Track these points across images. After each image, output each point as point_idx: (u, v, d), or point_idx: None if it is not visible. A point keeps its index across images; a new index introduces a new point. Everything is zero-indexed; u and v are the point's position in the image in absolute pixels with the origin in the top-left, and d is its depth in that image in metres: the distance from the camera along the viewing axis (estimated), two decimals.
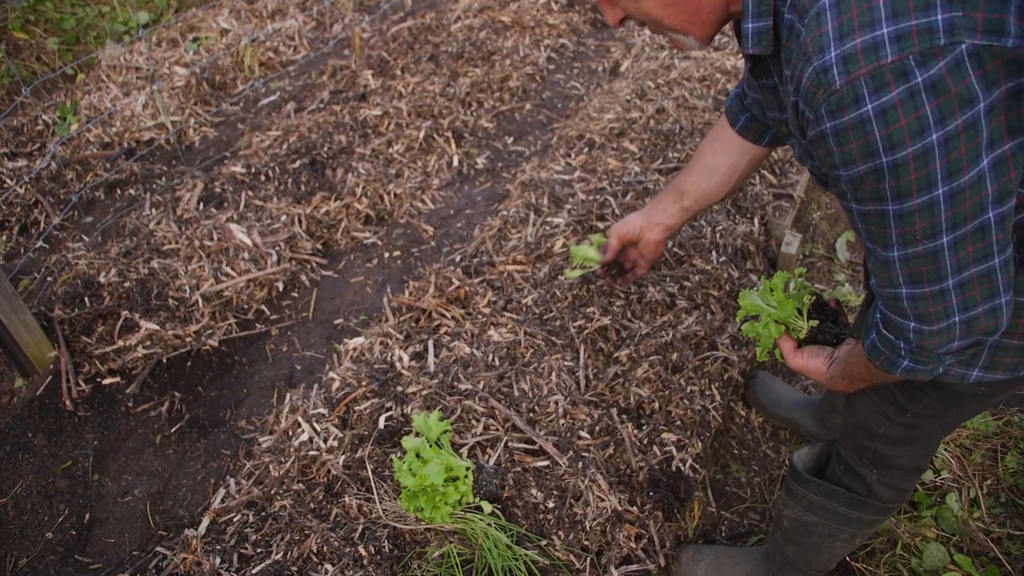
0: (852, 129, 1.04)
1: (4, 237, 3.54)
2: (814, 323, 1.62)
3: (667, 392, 2.53)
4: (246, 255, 3.19)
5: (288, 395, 2.70)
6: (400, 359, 2.64)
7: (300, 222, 3.42)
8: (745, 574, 2.28)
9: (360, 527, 2.13)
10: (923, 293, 1.16)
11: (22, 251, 3.46)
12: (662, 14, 1.31)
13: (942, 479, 2.48)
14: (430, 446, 2.17)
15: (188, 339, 2.92)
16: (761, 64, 1.38)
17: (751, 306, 1.71)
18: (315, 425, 2.47)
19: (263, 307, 3.15)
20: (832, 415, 2.57)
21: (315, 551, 2.08)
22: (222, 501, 2.37)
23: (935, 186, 1.04)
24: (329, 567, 2.04)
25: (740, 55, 4.31)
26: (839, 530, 1.89)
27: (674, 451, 2.40)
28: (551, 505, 2.19)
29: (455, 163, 3.92)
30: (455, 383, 2.50)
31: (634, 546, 2.20)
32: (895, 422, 1.61)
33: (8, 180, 3.78)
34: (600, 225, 3.06)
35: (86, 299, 2.94)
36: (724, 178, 2.02)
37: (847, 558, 2.32)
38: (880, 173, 1.06)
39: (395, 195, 3.67)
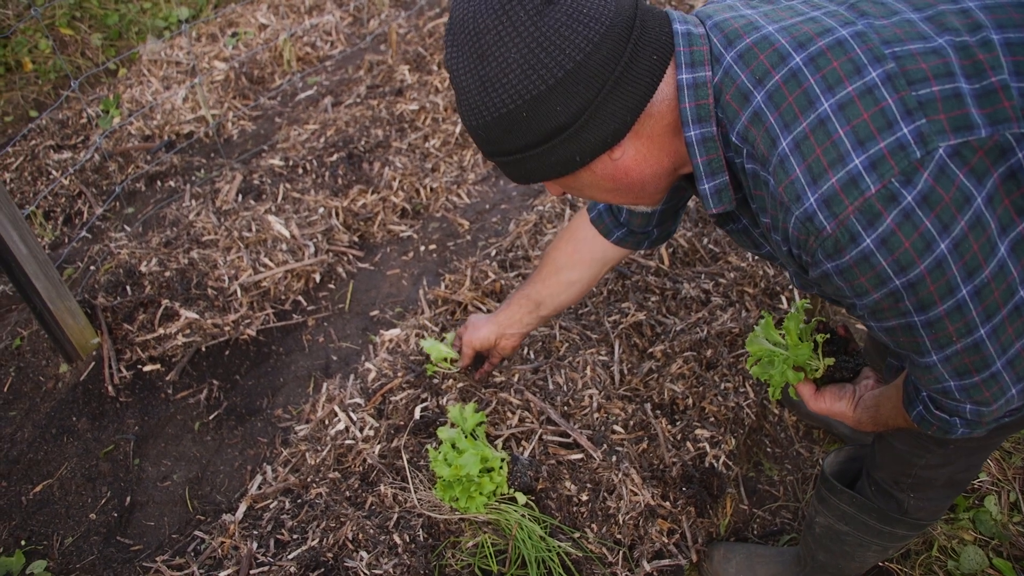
0: (856, 266, 1.02)
1: (50, 227, 3.62)
2: (830, 361, 1.53)
3: (701, 388, 2.52)
4: (284, 246, 3.23)
5: (324, 385, 2.73)
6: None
7: (337, 215, 3.46)
8: (777, 574, 2.27)
9: (395, 516, 2.15)
10: (975, 382, 1.12)
11: (66, 241, 3.53)
12: (608, 198, 1.31)
13: (980, 482, 2.45)
14: (465, 437, 2.19)
15: (227, 328, 2.96)
16: (726, 214, 1.35)
17: (762, 351, 1.59)
18: (351, 415, 2.50)
19: (300, 298, 3.19)
20: None
21: (350, 538, 2.11)
22: (259, 487, 2.41)
23: (958, 289, 1.01)
24: (364, 554, 2.07)
25: None
26: (871, 542, 1.86)
27: (707, 447, 2.40)
28: (584, 498, 2.20)
29: None
30: (491, 376, 2.52)
31: (666, 541, 2.20)
32: (936, 452, 1.56)
33: (54, 171, 3.86)
34: None
35: (128, 288, 3.00)
36: (584, 290, 2.03)
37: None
38: (897, 294, 1.03)
39: (431, 189, 3.69)
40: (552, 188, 1.32)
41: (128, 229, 3.48)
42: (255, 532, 2.23)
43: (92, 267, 3.23)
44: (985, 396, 1.13)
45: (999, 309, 1.03)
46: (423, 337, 2.76)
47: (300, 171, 3.69)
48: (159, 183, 3.83)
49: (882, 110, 0.97)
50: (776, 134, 1.04)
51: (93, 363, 2.85)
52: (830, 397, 1.53)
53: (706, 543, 2.32)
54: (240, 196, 3.54)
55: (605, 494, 2.22)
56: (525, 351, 2.60)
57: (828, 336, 1.55)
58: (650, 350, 2.63)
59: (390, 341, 2.82)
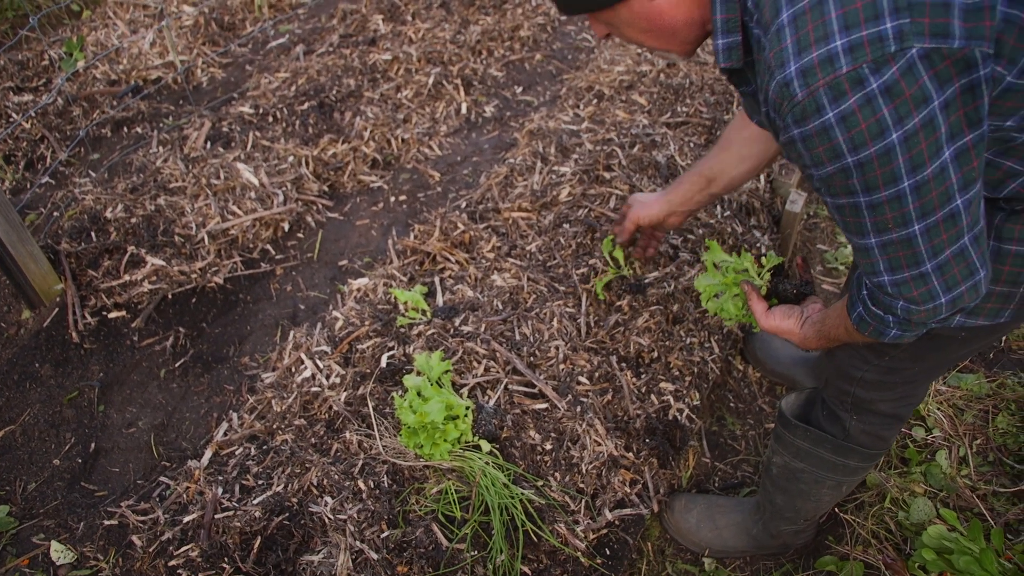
0: (817, 136, 1.10)
1: (11, 171, 3.55)
2: (767, 276, 1.72)
3: (667, 342, 2.55)
4: (252, 195, 3.20)
5: (292, 333, 2.72)
6: (406, 301, 2.67)
7: (307, 164, 3.42)
8: (736, 523, 2.32)
9: (360, 462, 2.17)
10: (904, 278, 1.22)
11: (28, 186, 3.46)
12: (642, 39, 1.41)
13: (933, 437, 2.52)
14: (431, 385, 2.20)
15: (193, 276, 2.94)
16: (739, 73, 1.43)
17: (710, 286, 1.77)
18: (318, 362, 2.51)
19: (268, 247, 3.16)
20: None
21: (315, 484, 2.12)
22: (225, 434, 2.41)
23: (900, 180, 1.09)
24: (329, 499, 2.08)
25: None
26: (825, 477, 1.94)
27: (671, 400, 2.43)
28: (548, 447, 2.23)
29: (463, 110, 3.90)
30: (460, 325, 2.53)
31: (628, 491, 2.24)
32: (873, 365, 1.66)
33: (14, 114, 3.77)
34: (607, 176, 3.06)
35: (92, 234, 2.96)
36: (756, 166, 2.03)
37: (836, 510, 2.36)
38: (848, 171, 1.11)
39: (403, 140, 3.66)
40: (596, 27, 1.44)
41: (93, 175, 3.42)
42: (220, 478, 2.24)
43: (56, 213, 3.17)
44: (914, 295, 1.23)
45: (935, 210, 1.12)
46: (391, 287, 2.76)
47: (270, 119, 3.63)
48: (125, 129, 3.76)
49: (874, 3, 1.03)
50: (780, 5, 1.12)
51: (57, 309, 2.82)
52: (779, 315, 1.69)
53: (667, 494, 2.37)
54: (209, 143, 3.48)
55: (569, 444, 2.25)
56: (493, 301, 2.61)
57: (768, 260, 1.76)
58: (617, 303, 2.65)
59: (358, 290, 2.81)
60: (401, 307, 2.64)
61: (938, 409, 2.58)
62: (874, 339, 1.39)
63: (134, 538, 2.16)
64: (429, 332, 2.48)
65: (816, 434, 1.87)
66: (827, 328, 1.55)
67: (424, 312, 2.59)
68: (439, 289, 2.72)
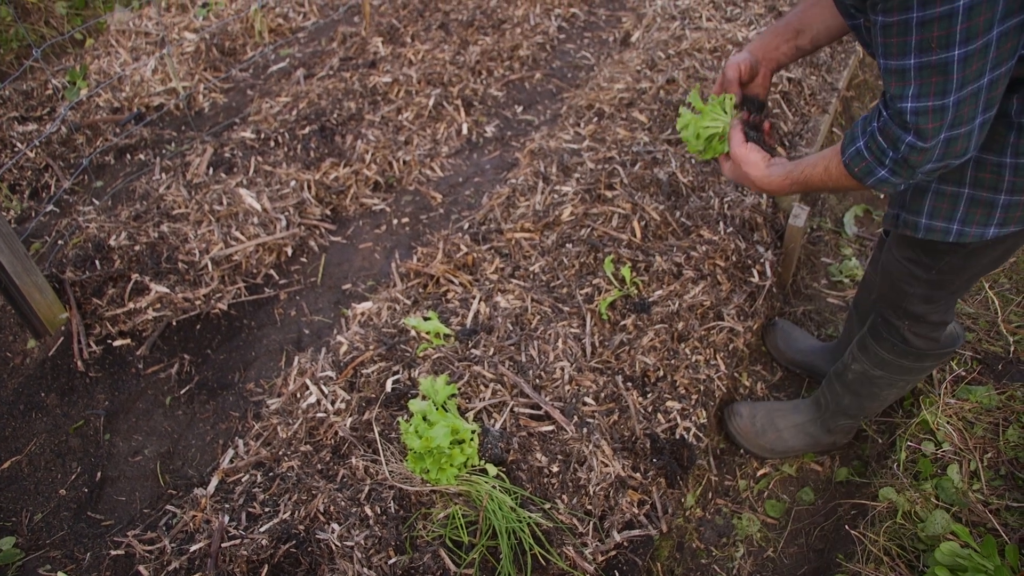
0: None
1: (15, 200, 3.56)
2: (742, 115, 1.96)
3: (672, 361, 2.54)
4: (255, 220, 3.20)
5: (296, 358, 2.72)
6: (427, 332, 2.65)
7: (309, 188, 3.43)
8: (795, 424, 2.56)
9: (366, 488, 2.16)
10: (926, 107, 1.27)
11: (33, 214, 3.48)
12: None
13: (944, 451, 2.50)
14: (436, 409, 2.19)
15: (198, 302, 2.94)
16: None
17: (706, 128, 2.01)
18: (323, 388, 2.50)
19: (272, 272, 3.17)
20: None
21: (322, 511, 2.11)
22: (231, 461, 2.40)
23: None
24: (336, 526, 2.07)
25: (751, 27, 4.27)
26: (899, 380, 2.25)
27: (678, 419, 2.42)
28: (555, 469, 2.22)
29: (464, 131, 3.91)
30: (469, 349, 2.52)
31: (636, 512, 2.22)
32: (922, 279, 1.88)
33: (18, 144, 3.79)
34: (609, 194, 3.06)
35: (97, 262, 2.96)
36: (842, 25, 1.89)
37: (846, 526, 2.34)
38: None
39: (404, 162, 3.67)
40: None
41: (97, 203, 3.43)
42: (227, 505, 2.23)
43: (60, 241, 3.18)
44: (928, 128, 1.30)
45: (977, 37, 1.17)
46: (395, 310, 2.76)
47: (272, 144, 3.65)
48: (128, 156, 3.78)
49: None
50: None
51: (62, 338, 2.82)
52: (753, 148, 1.85)
53: (727, 404, 2.68)
54: (211, 169, 3.49)
55: (576, 465, 2.23)
56: (502, 321, 2.60)
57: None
58: (622, 323, 2.64)
59: (362, 314, 2.81)
60: (420, 334, 2.62)
61: (948, 423, 2.56)
62: (857, 180, 1.49)
63: (141, 568, 2.15)
64: (435, 356, 2.47)
65: (902, 348, 2.12)
66: (799, 170, 1.67)
67: (448, 337, 2.58)
68: (459, 311, 2.71)
